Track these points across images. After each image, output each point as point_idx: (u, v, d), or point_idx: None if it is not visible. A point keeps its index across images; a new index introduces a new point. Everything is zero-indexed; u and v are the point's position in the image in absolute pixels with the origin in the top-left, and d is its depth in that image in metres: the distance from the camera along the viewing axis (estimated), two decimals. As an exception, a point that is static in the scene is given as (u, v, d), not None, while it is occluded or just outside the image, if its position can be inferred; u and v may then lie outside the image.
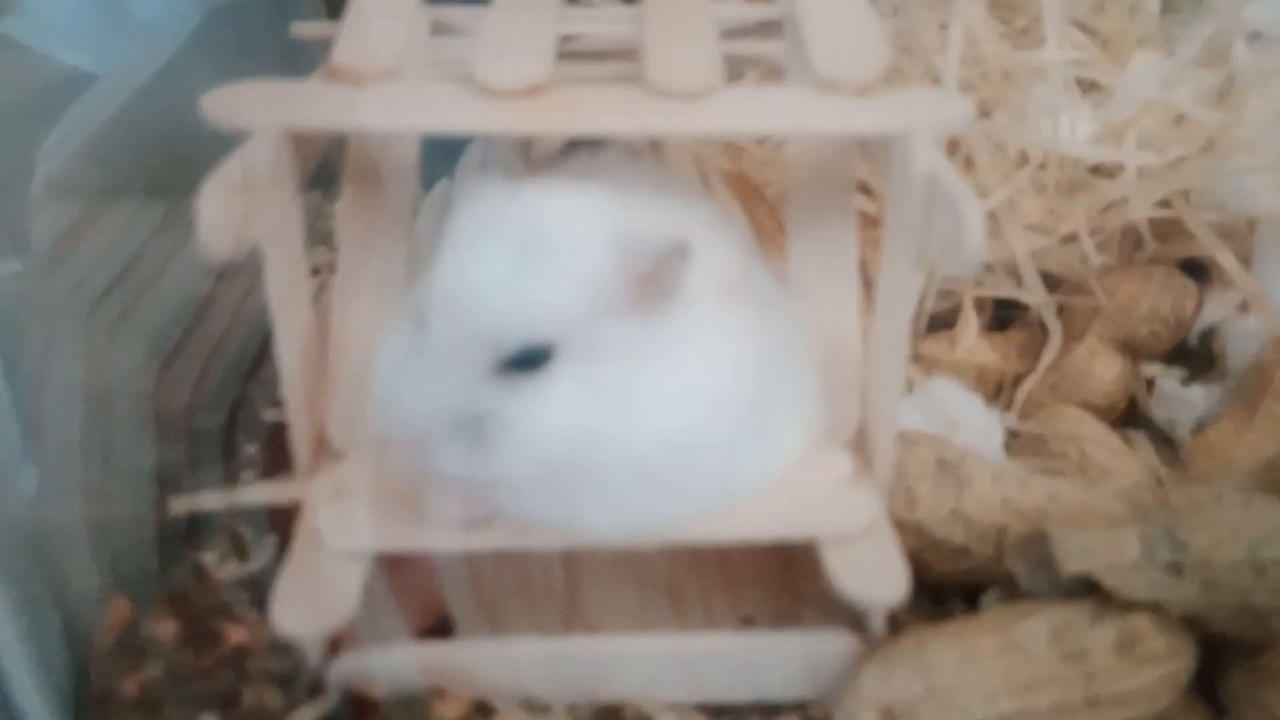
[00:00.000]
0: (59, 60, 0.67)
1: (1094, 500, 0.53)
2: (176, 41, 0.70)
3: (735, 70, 0.74)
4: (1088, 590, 0.46)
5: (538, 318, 0.43)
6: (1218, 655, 0.48)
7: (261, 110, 0.46)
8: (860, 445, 0.54)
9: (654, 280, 0.44)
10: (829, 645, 0.49)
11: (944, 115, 0.48)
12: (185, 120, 0.49)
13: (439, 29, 0.60)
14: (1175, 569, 0.45)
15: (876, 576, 0.48)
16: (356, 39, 0.51)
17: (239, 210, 0.43)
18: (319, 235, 0.86)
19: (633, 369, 0.45)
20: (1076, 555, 0.46)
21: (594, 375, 0.44)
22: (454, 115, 0.48)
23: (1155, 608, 0.45)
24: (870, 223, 0.69)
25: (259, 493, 0.54)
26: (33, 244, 0.56)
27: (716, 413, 0.47)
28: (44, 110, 0.60)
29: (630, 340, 0.44)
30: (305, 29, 0.62)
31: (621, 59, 0.64)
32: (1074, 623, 0.46)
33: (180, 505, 0.55)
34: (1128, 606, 0.46)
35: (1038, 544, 0.48)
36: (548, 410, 0.43)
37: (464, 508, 0.48)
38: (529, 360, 0.43)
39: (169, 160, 0.63)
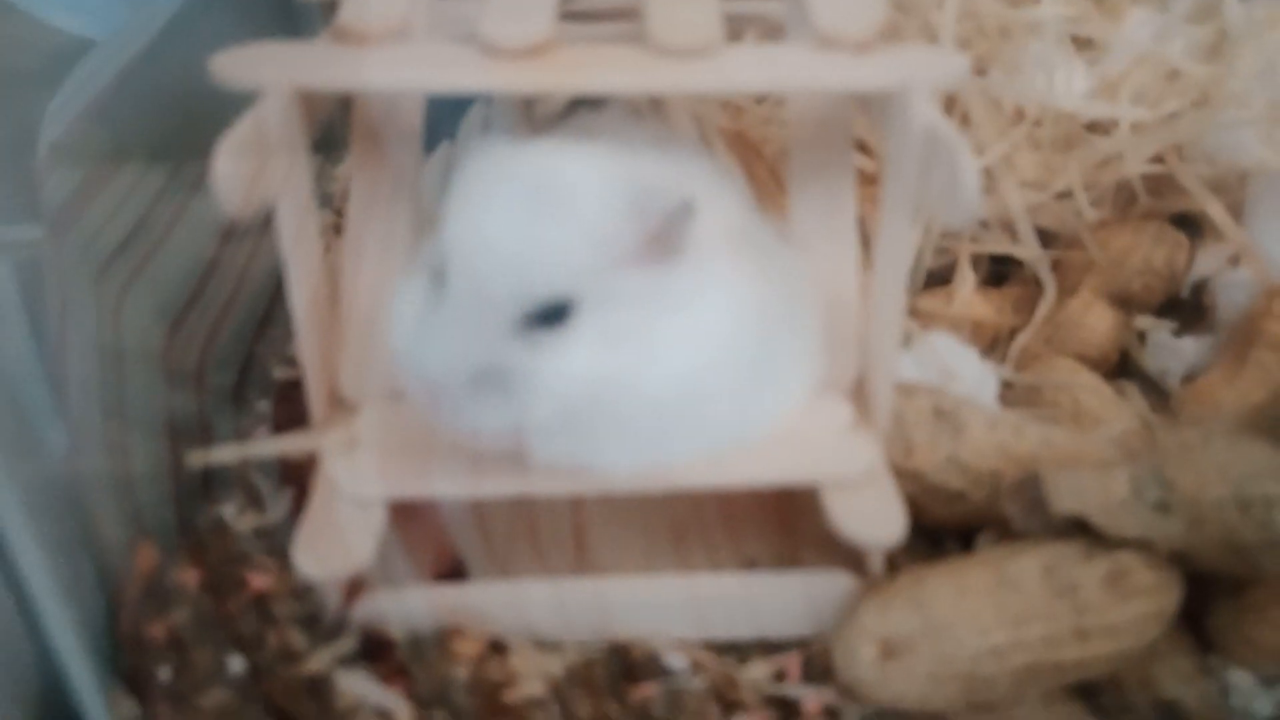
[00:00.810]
0: (58, 25, 0.68)
1: (1086, 446, 0.55)
2: (176, 3, 0.71)
3: (735, 29, 0.75)
4: (1079, 530, 0.48)
5: (558, 273, 0.45)
6: (1205, 591, 0.50)
7: (272, 70, 0.47)
8: (859, 395, 0.56)
9: (664, 236, 0.46)
10: (829, 585, 0.51)
11: (941, 71, 0.49)
12: (188, 81, 0.50)
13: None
14: (1163, 507, 0.47)
15: (875, 519, 0.49)
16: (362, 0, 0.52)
17: (252, 168, 0.44)
18: (322, 198, 0.87)
19: (645, 318, 0.47)
20: (1067, 495, 0.47)
21: (610, 326, 0.46)
22: (460, 75, 0.49)
23: (1143, 545, 0.47)
24: (868, 180, 0.70)
25: (274, 445, 0.56)
26: (42, 209, 0.57)
27: (725, 357, 0.49)
28: (46, 76, 0.61)
29: (642, 291, 0.47)
30: (311, -12, 0.63)
31: (623, 19, 0.65)
32: (1065, 559, 0.47)
33: (197, 458, 0.57)
34: (1117, 544, 0.47)
35: (1030, 486, 0.49)
36: (570, 362, 0.46)
37: (487, 447, 0.49)
38: (550, 314, 0.45)
39: (173, 122, 0.64)
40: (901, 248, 0.51)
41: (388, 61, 0.49)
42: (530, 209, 0.45)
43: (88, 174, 0.61)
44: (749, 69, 0.50)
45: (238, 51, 0.49)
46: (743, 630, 0.52)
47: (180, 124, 0.54)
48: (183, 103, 0.54)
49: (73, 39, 0.66)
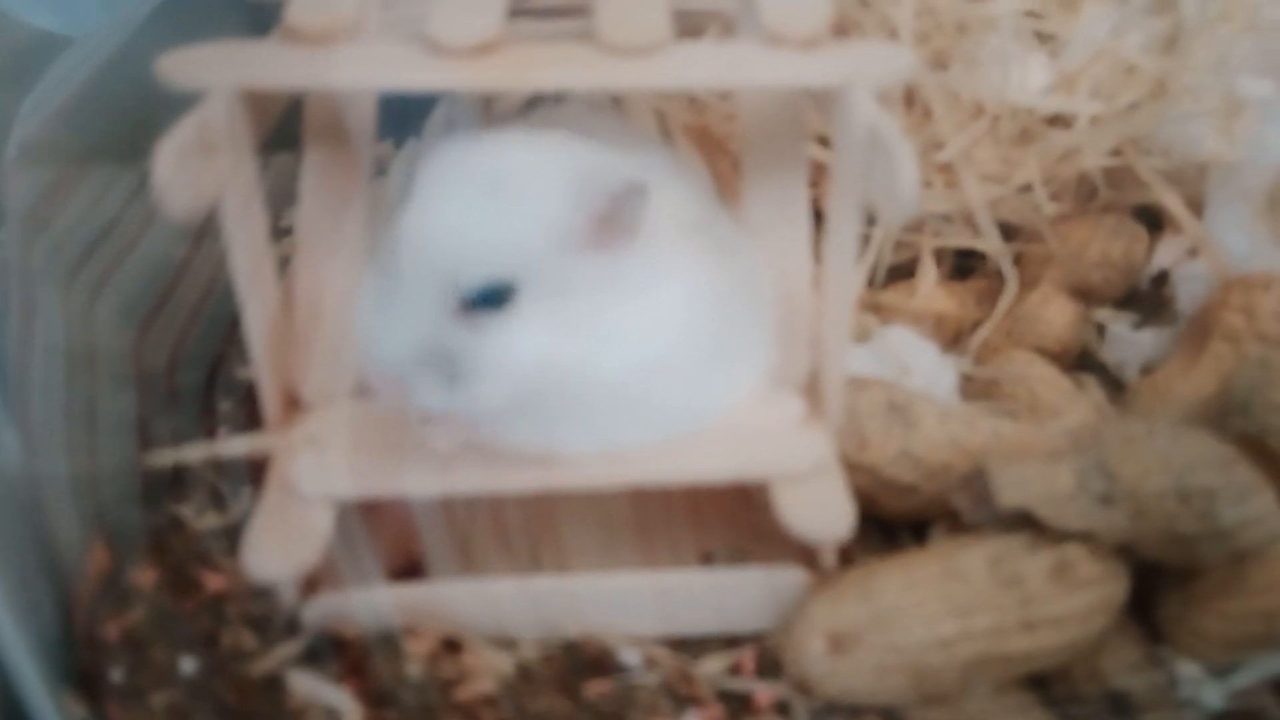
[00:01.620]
0: (33, 23, 0.67)
1: (1036, 438, 0.56)
2: (150, 3, 0.70)
3: (695, 26, 0.76)
4: (1026, 523, 0.48)
5: (497, 255, 0.45)
6: (1152, 581, 0.50)
7: (216, 70, 0.47)
8: (813, 389, 0.56)
9: (613, 219, 0.47)
10: (784, 579, 0.52)
11: (886, 67, 0.50)
12: (160, 82, 0.50)
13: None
14: (1106, 499, 0.47)
15: (824, 513, 0.50)
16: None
17: (195, 169, 0.44)
18: (292, 197, 0.87)
19: (598, 303, 0.47)
20: (1012, 488, 0.48)
21: (560, 310, 0.47)
22: (407, 73, 0.49)
23: (1088, 537, 0.47)
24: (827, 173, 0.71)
25: (235, 445, 0.56)
26: (10, 207, 0.56)
27: (680, 343, 0.50)
28: (19, 73, 0.60)
29: (594, 276, 0.47)
30: (262, -12, 0.63)
31: (577, 15, 0.65)
32: (1011, 551, 0.48)
33: (159, 458, 0.57)
34: (1063, 536, 0.48)
35: (977, 479, 0.50)
36: (514, 344, 0.46)
37: (447, 435, 0.50)
38: (492, 297, 0.46)
39: (146, 122, 0.64)
40: (850, 242, 0.51)
41: (334, 60, 0.49)
42: (474, 194, 0.46)
43: (58, 174, 0.61)
44: (695, 65, 0.50)
45: (183, 51, 0.49)
46: (700, 625, 0.53)
47: (154, 123, 0.54)
48: (157, 103, 0.54)
49: (48, 36, 0.66)
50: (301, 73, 0.48)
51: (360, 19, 0.52)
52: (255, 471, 0.59)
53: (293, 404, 0.56)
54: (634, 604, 0.52)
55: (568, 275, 0.47)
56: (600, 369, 0.48)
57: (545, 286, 0.46)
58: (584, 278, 0.47)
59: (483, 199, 0.46)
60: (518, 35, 0.50)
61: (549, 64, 0.49)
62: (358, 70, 0.49)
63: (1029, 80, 0.72)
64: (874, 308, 0.74)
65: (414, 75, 0.49)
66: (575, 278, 0.47)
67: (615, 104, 0.71)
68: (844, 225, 0.51)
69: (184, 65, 0.48)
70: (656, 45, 0.50)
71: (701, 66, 0.50)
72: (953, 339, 0.74)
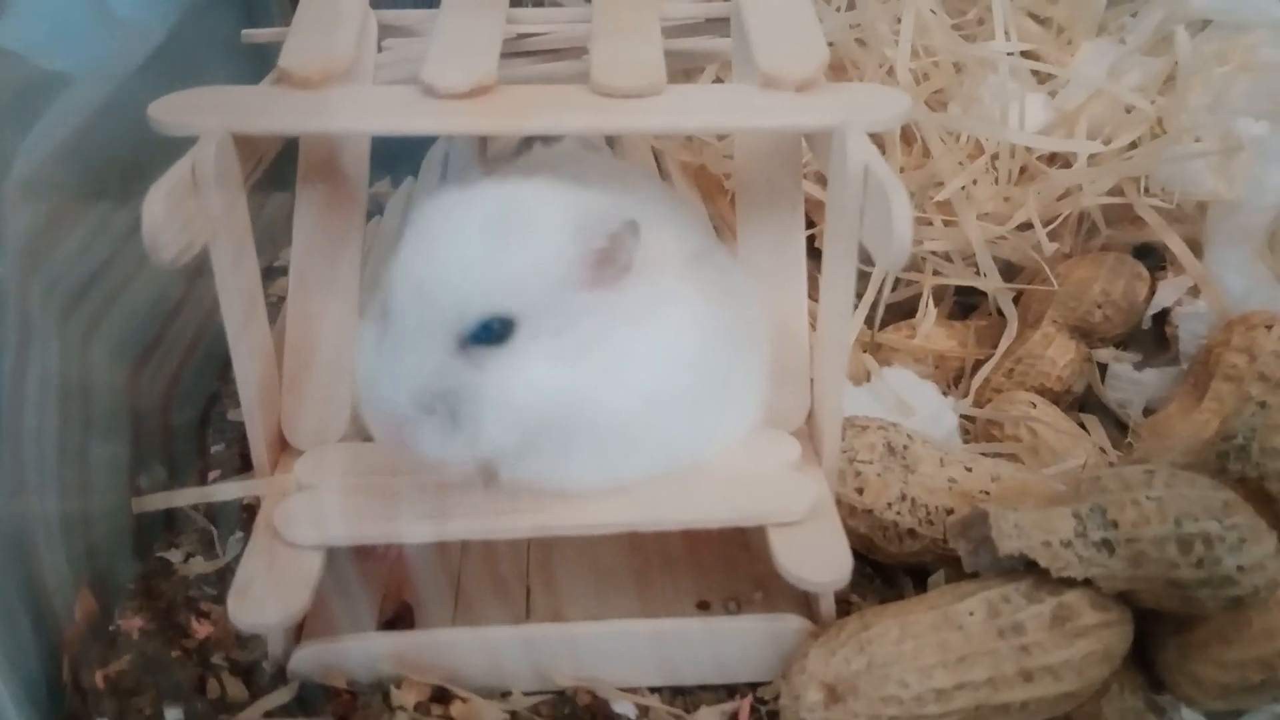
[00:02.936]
0: (35, 61, 0.67)
1: (1034, 482, 0.55)
2: (152, 42, 0.71)
3: (694, 65, 0.76)
4: (1027, 568, 0.48)
5: (496, 291, 0.45)
6: (1152, 627, 0.49)
7: (207, 115, 0.47)
8: (810, 430, 0.56)
9: (610, 256, 0.47)
10: (782, 627, 0.51)
11: (881, 111, 0.50)
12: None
13: (389, 31, 0.61)
14: (1106, 546, 0.46)
15: (820, 560, 0.49)
16: (303, 43, 0.52)
17: (185, 214, 0.44)
18: (286, 236, 0.87)
19: (600, 337, 0.47)
20: (1011, 534, 0.47)
21: (562, 345, 0.47)
22: (401, 118, 0.49)
23: (1089, 583, 0.47)
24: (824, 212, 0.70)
25: (226, 491, 0.55)
26: (7, 243, 0.56)
27: (682, 374, 0.50)
28: (23, 113, 0.60)
29: (595, 311, 0.47)
30: (256, 34, 0.63)
31: (576, 57, 0.66)
32: (1010, 598, 0.47)
33: (146, 503, 0.56)
34: (1063, 583, 0.47)
35: (977, 524, 0.49)
36: (515, 380, 0.46)
37: (458, 470, 0.49)
38: (492, 334, 0.45)
39: (144, 160, 0.64)
40: (845, 285, 0.50)
41: (329, 105, 0.49)
42: (473, 234, 0.46)
43: (56, 211, 0.61)
44: (689, 109, 0.50)
45: (175, 96, 0.49)
46: (697, 675, 0.52)
47: (153, 161, 0.54)
48: (155, 140, 0.53)
49: (53, 76, 0.66)
50: (295, 118, 0.48)
51: (355, 63, 0.53)
52: (247, 515, 0.59)
53: (283, 447, 0.55)
54: (631, 652, 0.51)
55: (567, 311, 0.46)
56: (603, 401, 0.47)
57: (545, 322, 0.46)
58: (583, 313, 0.47)
59: (482, 238, 0.46)
60: (519, 76, 0.50)
61: (544, 108, 0.50)
62: (352, 115, 0.49)
63: (1028, 118, 0.72)
64: (874, 347, 0.74)
65: (409, 120, 0.49)
66: (575, 313, 0.47)
67: (612, 142, 0.71)
68: (839, 268, 0.50)
69: (175, 110, 0.48)
70: (651, 89, 0.50)
71: (695, 110, 0.50)
72: (954, 378, 0.74)
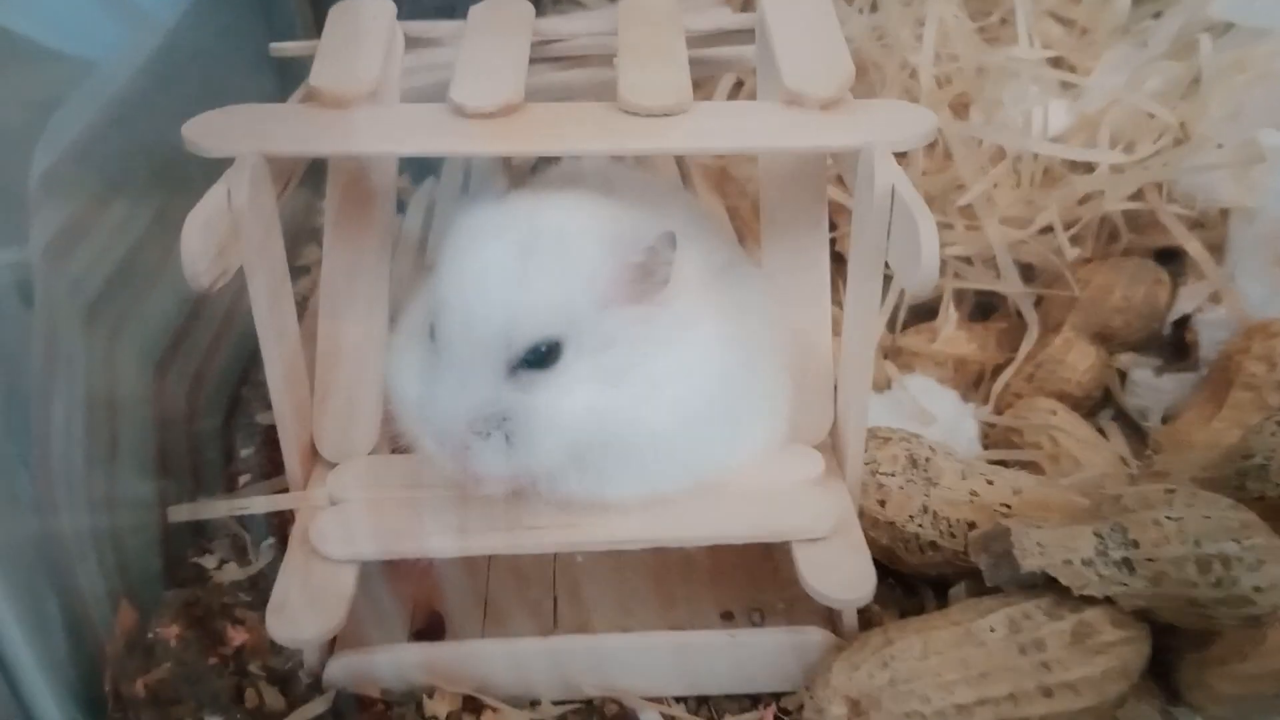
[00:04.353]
0: (54, 47, 0.67)
1: (1055, 494, 0.55)
2: (171, 23, 0.70)
3: (716, 73, 0.76)
4: (1047, 584, 0.48)
5: (544, 316, 0.47)
6: (1170, 642, 0.50)
7: (242, 137, 0.48)
8: (834, 444, 0.56)
9: (647, 270, 0.48)
10: (806, 640, 0.52)
11: (906, 130, 0.50)
12: (183, 107, 0.50)
13: (415, 42, 0.61)
14: (1126, 565, 0.47)
15: (843, 576, 0.50)
16: (333, 61, 0.52)
17: (221, 239, 0.45)
18: (309, 232, 0.87)
19: (639, 352, 0.49)
20: (1033, 552, 0.48)
21: (605, 362, 0.48)
22: (429, 138, 0.50)
23: (1108, 601, 0.47)
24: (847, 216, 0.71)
25: (257, 503, 0.56)
26: (31, 240, 0.56)
27: (717, 384, 0.51)
28: (44, 102, 0.60)
29: (633, 326, 0.48)
30: (285, 48, 0.64)
31: (600, 64, 0.66)
32: (1031, 615, 0.48)
33: (178, 514, 0.57)
34: (1084, 600, 0.48)
35: (998, 539, 0.50)
36: (566, 400, 0.47)
37: (499, 488, 0.50)
38: (542, 357, 0.47)
39: (164, 151, 0.63)
40: (871, 299, 0.51)
41: (358, 126, 0.50)
42: (512, 256, 0.47)
43: (79, 208, 0.61)
44: (715, 129, 0.51)
45: (208, 117, 0.49)
46: (721, 685, 0.53)
47: (172, 152, 0.53)
48: (175, 130, 0.53)
49: (69, 60, 0.65)
50: (326, 139, 0.49)
51: (383, 82, 0.53)
52: (278, 520, 0.60)
53: (315, 458, 0.56)
54: (656, 663, 0.52)
55: (609, 328, 0.48)
56: (644, 417, 0.49)
57: (589, 342, 0.47)
58: (623, 329, 0.48)
59: (523, 261, 0.47)
60: (547, 84, 0.50)
61: (570, 128, 0.50)
62: (382, 136, 0.50)
63: (1051, 122, 0.72)
64: (895, 352, 0.74)
65: (437, 140, 0.50)
66: (615, 330, 0.48)
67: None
68: (864, 286, 0.51)
69: (210, 131, 0.48)
70: (676, 109, 0.50)
71: (722, 130, 0.51)
72: (974, 382, 0.74)
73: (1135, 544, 0.47)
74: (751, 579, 0.57)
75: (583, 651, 0.52)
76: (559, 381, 0.47)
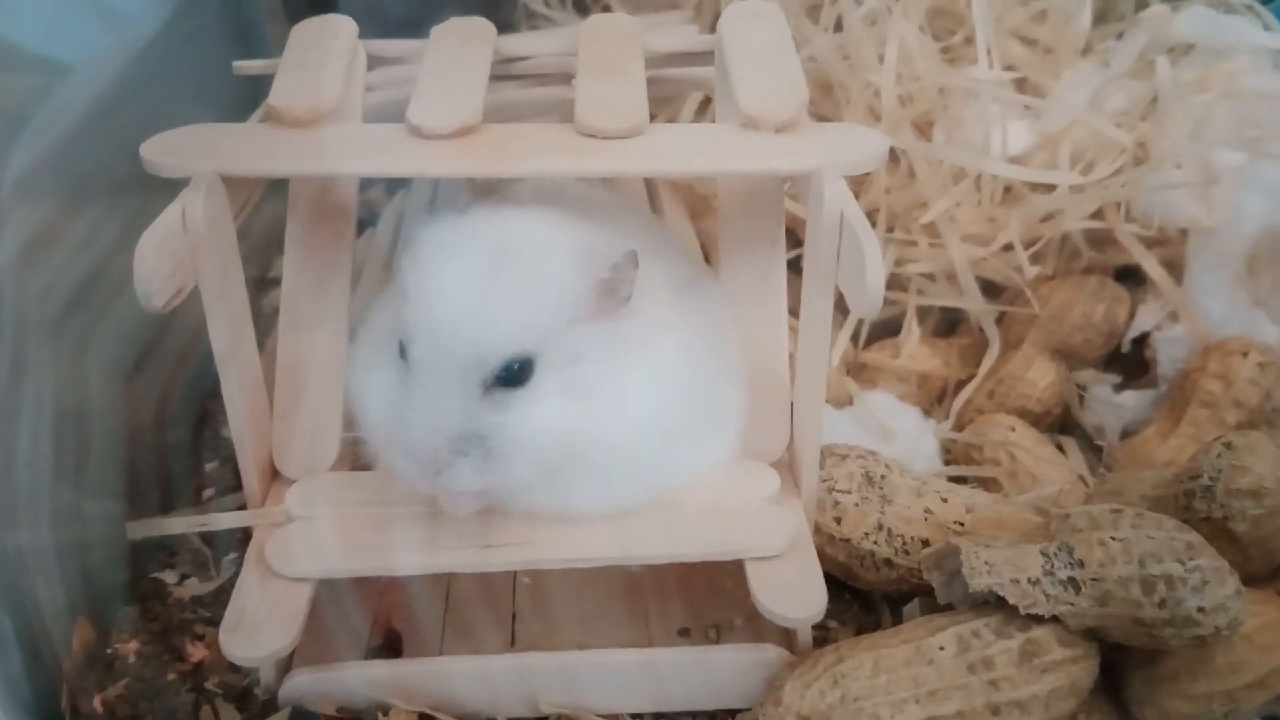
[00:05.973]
0: (32, 50, 0.67)
1: (1009, 512, 0.56)
2: (151, 30, 0.70)
3: (677, 93, 0.77)
4: (998, 602, 0.49)
5: (516, 334, 0.47)
6: (1124, 661, 0.51)
7: (198, 157, 0.48)
8: (790, 462, 0.57)
9: (612, 287, 0.49)
10: (763, 657, 0.52)
11: (857, 153, 0.51)
12: (154, 116, 0.51)
13: (377, 61, 0.62)
14: (1073, 584, 0.47)
15: (796, 594, 0.50)
16: (293, 80, 0.53)
17: (176, 259, 0.45)
18: (279, 244, 0.86)
19: (605, 366, 0.49)
20: (981, 571, 0.48)
21: (573, 377, 0.49)
22: (386, 159, 0.50)
23: (1056, 620, 0.48)
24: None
25: (218, 520, 0.56)
26: (1, 248, 0.55)
27: (681, 396, 0.52)
28: (20, 106, 0.60)
29: (598, 342, 0.49)
30: (247, 66, 0.64)
31: (561, 82, 0.66)
32: (980, 634, 0.48)
33: (136, 530, 0.57)
34: (1032, 618, 0.48)
35: (949, 557, 0.50)
36: (540, 415, 0.48)
37: (468, 505, 0.51)
38: (516, 374, 0.47)
39: (135, 160, 0.63)
40: (823, 323, 0.51)
41: (316, 146, 0.50)
42: (482, 274, 0.47)
43: (48, 216, 0.60)
44: (672, 151, 0.51)
45: (165, 137, 0.50)
46: (683, 701, 0.53)
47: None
48: (150, 135, 0.53)
49: (46, 64, 0.65)
50: (285, 159, 0.49)
51: (344, 101, 0.53)
52: (242, 535, 0.59)
53: (274, 475, 0.56)
54: (616, 679, 0.53)
55: (576, 344, 0.48)
56: (609, 430, 0.49)
57: (558, 357, 0.48)
58: (588, 344, 0.49)
59: (493, 279, 0.47)
60: (506, 102, 0.50)
61: (526, 150, 0.50)
62: (341, 156, 0.50)
63: (1012, 141, 0.73)
64: (858, 368, 0.75)
65: (394, 161, 0.50)
66: (581, 345, 0.49)
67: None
68: (817, 307, 0.51)
69: (167, 150, 0.49)
70: (633, 131, 0.51)
71: (678, 152, 0.51)
72: (937, 398, 0.75)
73: (1081, 564, 0.47)
74: (709, 596, 0.58)
75: (541, 668, 0.52)
76: (532, 396, 0.48)
